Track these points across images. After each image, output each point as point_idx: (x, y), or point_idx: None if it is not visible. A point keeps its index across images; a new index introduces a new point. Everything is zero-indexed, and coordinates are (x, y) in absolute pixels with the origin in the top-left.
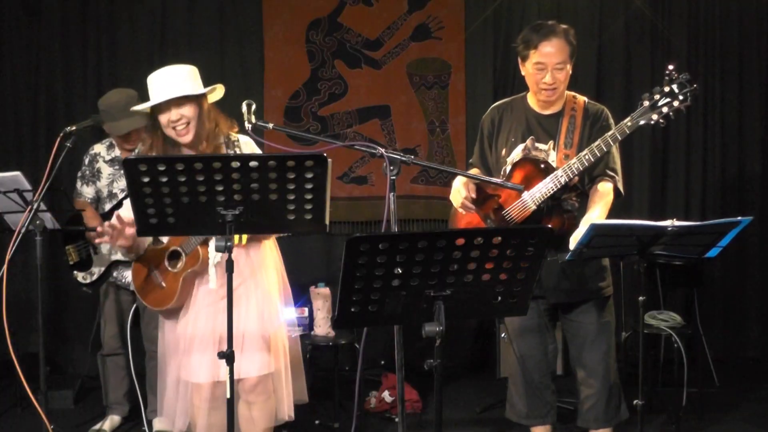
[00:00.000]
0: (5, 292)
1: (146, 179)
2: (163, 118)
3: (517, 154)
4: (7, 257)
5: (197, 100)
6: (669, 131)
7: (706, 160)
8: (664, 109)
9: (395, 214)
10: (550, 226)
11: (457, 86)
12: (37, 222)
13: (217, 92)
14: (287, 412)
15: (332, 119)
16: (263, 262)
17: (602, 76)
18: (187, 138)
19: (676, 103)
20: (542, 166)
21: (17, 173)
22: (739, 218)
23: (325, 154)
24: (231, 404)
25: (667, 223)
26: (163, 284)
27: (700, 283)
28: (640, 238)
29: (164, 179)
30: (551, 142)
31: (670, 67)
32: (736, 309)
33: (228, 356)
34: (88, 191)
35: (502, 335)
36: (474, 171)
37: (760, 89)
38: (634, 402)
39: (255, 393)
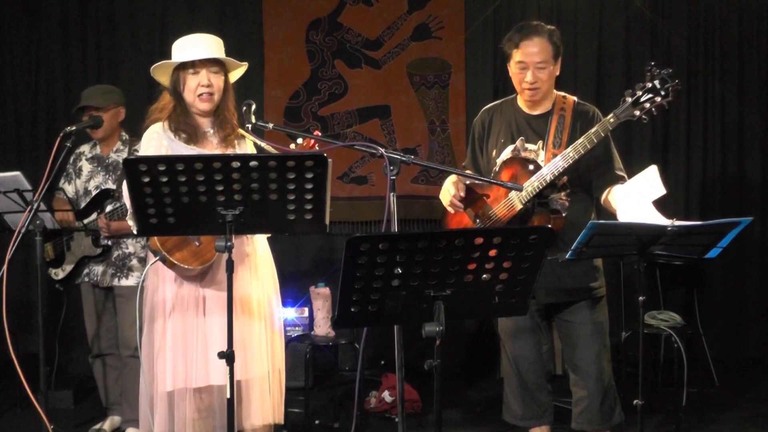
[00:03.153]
0: (5, 292)
1: (146, 179)
2: (192, 81)
3: (506, 154)
4: (7, 257)
5: (226, 72)
6: (669, 131)
7: (706, 160)
8: (646, 105)
9: (395, 214)
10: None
11: (457, 86)
12: (37, 222)
13: (241, 70)
14: (278, 415)
15: (332, 119)
16: (262, 261)
17: (602, 76)
18: (208, 105)
19: (658, 99)
20: (531, 167)
21: (17, 173)
22: (739, 219)
23: (325, 154)
24: (231, 404)
25: (667, 223)
26: (198, 242)
27: (700, 283)
28: (640, 237)
29: (164, 179)
30: (540, 142)
31: (652, 63)
32: (736, 309)
33: (228, 356)
34: (69, 189)
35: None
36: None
37: (760, 89)
38: (634, 402)
39: (254, 393)
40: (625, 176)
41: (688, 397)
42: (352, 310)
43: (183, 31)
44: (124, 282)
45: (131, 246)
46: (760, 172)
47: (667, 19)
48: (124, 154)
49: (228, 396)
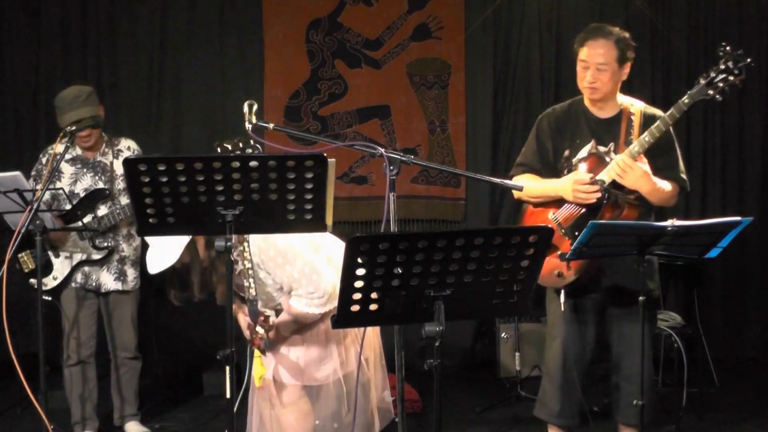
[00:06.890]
0: (5, 292)
1: (146, 179)
2: None
3: (582, 154)
4: (7, 257)
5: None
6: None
7: (706, 160)
8: (720, 84)
9: (395, 214)
10: (609, 215)
11: (457, 86)
12: (37, 222)
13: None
14: None
15: (332, 119)
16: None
17: None
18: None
19: (731, 78)
20: (607, 159)
21: (17, 173)
22: (740, 218)
23: (325, 154)
24: (231, 404)
25: (667, 223)
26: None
27: (700, 283)
28: (640, 237)
29: (164, 179)
30: (611, 144)
31: (723, 44)
32: (736, 309)
33: (228, 356)
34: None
35: (503, 335)
36: (528, 173)
37: (760, 89)
38: (634, 402)
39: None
40: (687, 180)
41: (688, 397)
42: (352, 310)
43: (183, 31)
44: (122, 286)
45: (126, 249)
46: (760, 172)
47: (667, 19)
48: (110, 155)
49: (228, 396)
